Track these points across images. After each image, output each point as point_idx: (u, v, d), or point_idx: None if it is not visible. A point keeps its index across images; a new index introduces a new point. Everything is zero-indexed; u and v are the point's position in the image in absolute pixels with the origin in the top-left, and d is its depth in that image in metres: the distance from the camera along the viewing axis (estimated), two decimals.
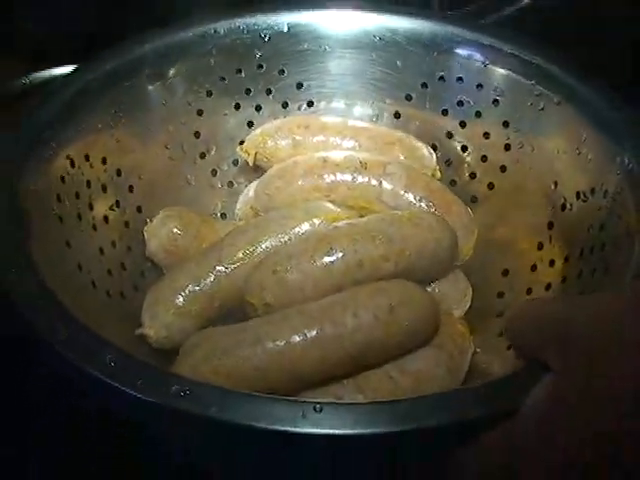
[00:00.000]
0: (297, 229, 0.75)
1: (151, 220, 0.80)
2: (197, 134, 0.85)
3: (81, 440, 0.76)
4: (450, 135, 0.86)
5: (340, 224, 0.74)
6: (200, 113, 0.85)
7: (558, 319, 0.50)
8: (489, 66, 0.82)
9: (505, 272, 0.80)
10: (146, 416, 0.53)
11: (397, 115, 0.88)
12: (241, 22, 0.84)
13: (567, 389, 0.47)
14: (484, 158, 0.85)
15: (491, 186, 0.84)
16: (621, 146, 0.71)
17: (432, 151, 0.85)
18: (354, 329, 0.65)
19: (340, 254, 0.71)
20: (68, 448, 0.76)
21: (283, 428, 0.48)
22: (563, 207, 0.76)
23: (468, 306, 0.78)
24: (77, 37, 0.81)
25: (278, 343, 0.64)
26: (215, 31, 0.83)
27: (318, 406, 0.49)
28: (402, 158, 0.82)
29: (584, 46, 0.75)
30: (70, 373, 0.54)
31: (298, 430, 0.48)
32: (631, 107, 0.73)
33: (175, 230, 0.80)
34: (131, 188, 0.80)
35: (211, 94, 0.85)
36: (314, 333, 0.64)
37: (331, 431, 0.48)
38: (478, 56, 0.82)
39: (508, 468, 0.49)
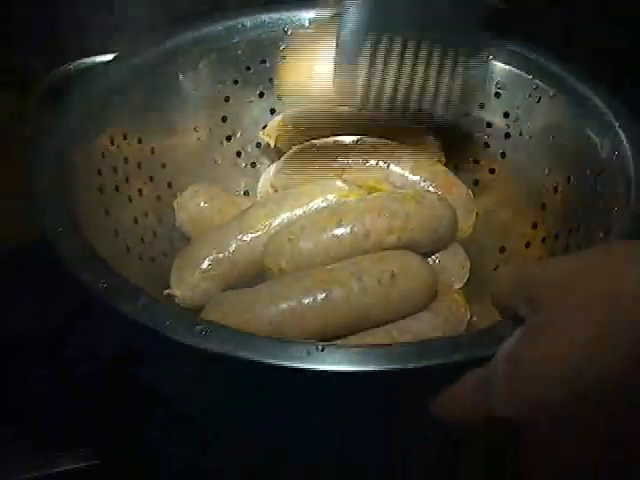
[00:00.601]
0: (311, 204, 0.83)
1: (180, 194, 0.88)
2: (224, 119, 0.93)
3: (81, 440, 0.80)
4: None
5: (350, 200, 0.82)
6: (227, 100, 0.93)
7: (530, 274, 0.58)
8: (492, 62, 0.89)
9: (502, 249, 0.87)
10: (172, 355, 0.61)
11: None
12: (267, 17, 0.92)
13: (530, 335, 0.54)
14: (486, 145, 0.92)
15: (492, 171, 0.91)
16: (607, 134, 0.78)
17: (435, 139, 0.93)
18: (359, 292, 0.73)
19: (349, 226, 0.78)
20: (68, 448, 0.80)
21: (290, 364, 0.56)
22: (555, 190, 0.84)
23: (466, 278, 0.85)
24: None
25: (290, 302, 0.72)
26: (242, 25, 0.91)
27: (320, 346, 0.57)
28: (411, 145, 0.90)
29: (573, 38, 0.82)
30: (111, 318, 0.62)
31: (303, 366, 0.56)
32: (617, 98, 0.80)
33: (202, 204, 0.88)
34: (163, 165, 0.88)
35: (237, 82, 0.93)
36: (323, 294, 0.72)
37: (331, 367, 0.56)
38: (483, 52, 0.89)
39: (482, 410, 0.56)
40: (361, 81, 0.76)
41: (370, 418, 0.60)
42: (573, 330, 0.52)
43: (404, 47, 0.76)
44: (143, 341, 0.63)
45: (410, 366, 0.56)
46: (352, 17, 0.74)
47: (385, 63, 0.76)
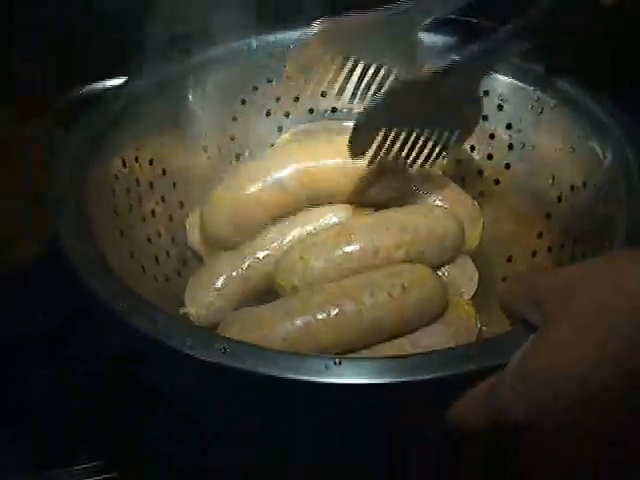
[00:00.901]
0: (321, 220, 0.85)
1: (192, 213, 0.90)
2: (232, 138, 0.95)
3: (81, 440, 0.82)
4: None
5: (359, 216, 0.84)
6: (235, 119, 0.95)
7: (535, 281, 0.59)
8: (494, 75, 0.91)
9: (509, 259, 0.89)
10: (193, 372, 0.62)
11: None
12: (272, 37, 0.94)
13: (537, 344, 0.56)
14: (490, 157, 0.93)
15: (497, 182, 0.93)
16: (610, 143, 0.80)
17: None
18: (371, 306, 0.75)
19: (358, 243, 0.80)
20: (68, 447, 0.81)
21: (309, 378, 0.58)
22: (559, 199, 0.85)
23: (475, 289, 0.87)
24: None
25: (303, 317, 0.73)
26: (249, 46, 0.93)
27: (338, 360, 0.58)
28: None
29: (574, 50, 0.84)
30: (129, 337, 0.64)
31: (321, 380, 0.58)
32: (618, 107, 0.82)
33: None
34: (174, 185, 0.90)
35: (245, 102, 0.95)
36: (335, 309, 0.74)
37: (349, 381, 0.58)
38: None
39: (494, 418, 0.58)
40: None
41: (384, 428, 0.62)
42: (576, 339, 0.54)
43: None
44: (160, 358, 0.64)
45: (425, 377, 0.58)
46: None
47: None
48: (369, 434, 0.63)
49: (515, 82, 0.90)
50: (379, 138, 0.80)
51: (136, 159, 0.85)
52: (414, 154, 0.82)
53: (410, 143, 0.81)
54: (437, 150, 0.83)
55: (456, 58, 0.78)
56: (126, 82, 0.88)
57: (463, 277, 0.86)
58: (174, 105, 0.90)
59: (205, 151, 0.94)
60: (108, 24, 1.07)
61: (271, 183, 0.84)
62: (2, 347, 0.85)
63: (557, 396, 0.53)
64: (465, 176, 0.95)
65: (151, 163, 0.87)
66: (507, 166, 0.92)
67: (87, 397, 0.83)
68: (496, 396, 0.57)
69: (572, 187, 0.84)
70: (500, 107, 0.91)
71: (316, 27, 0.84)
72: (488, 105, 0.91)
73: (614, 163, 0.79)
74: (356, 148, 0.80)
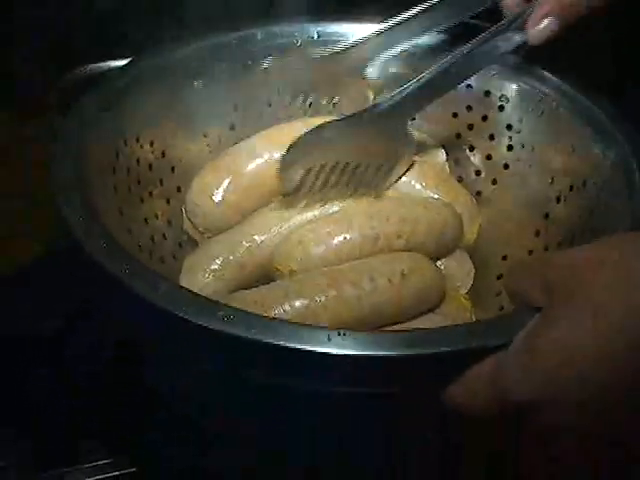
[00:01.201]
0: (321, 208, 0.84)
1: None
2: (232, 126, 0.95)
3: (81, 440, 0.82)
4: (459, 136, 0.96)
5: (360, 205, 0.84)
6: (235, 108, 0.95)
7: (545, 262, 0.59)
8: (496, 76, 0.92)
9: (504, 257, 0.89)
10: (196, 340, 0.62)
11: (412, 118, 0.97)
12: (277, 28, 0.94)
13: (549, 321, 0.56)
14: (489, 157, 0.94)
15: (495, 182, 0.93)
16: (610, 144, 0.81)
17: (443, 150, 0.95)
18: (370, 291, 0.74)
19: (358, 230, 0.80)
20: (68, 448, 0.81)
21: (312, 348, 0.57)
22: (558, 199, 0.86)
23: (471, 284, 0.87)
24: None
25: (302, 299, 0.73)
26: (253, 35, 0.93)
27: (342, 331, 0.58)
28: (416, 154, 0.92)
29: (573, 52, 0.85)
30: (132, 305, 0.63)
31: (324, 350, 0.57)
32: (617, 107, 0.83)
33: None
34: (173, 169, 0.90)
35: (246, 92, 0.95)
36: (335, 292, 0.73)
37: (352, 352, 0.57)
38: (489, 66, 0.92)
39: (497, 397, 0.57)
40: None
41: (385, 406, 0.61)
42: (588, 317, 0.54)
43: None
44: (161, 327, 0.63)
45: (429, 351, 0.57)
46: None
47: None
48: (369, 412, 0.62)
49: (516, 83, 0.90)
50: (309, 174, 0.81)
51: (137, 139, 0.85)
52: (344, 183, 0.84)
53: (338, 173, 0.83)
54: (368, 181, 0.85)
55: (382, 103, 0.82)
56: (130, 63, 0.88)
57: (460, 271, 0.86)
58: (176, 90, 0.90)
59: (205, 137, 0.93)
60: (108, 21, 1.07)
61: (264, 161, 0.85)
62: (2, 347, 0.84)
63: (566, 373, 0.53)
64: (463, 176, 0.95)
65: (152, 144, 0.87)
66: (506, 166, 0.92)
67: (87, 397, 0.83)
68: (500, 375, 0.57)
69: (571, 187, 0.84)
70: (501, 108, 0.92)
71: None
72: (489, 106, 0.93)
73: (615, 163, 0.79)
74: (286, 183, 0.81)
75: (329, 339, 0.57)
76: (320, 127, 0.82)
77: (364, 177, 0.85)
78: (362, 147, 0.83)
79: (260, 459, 0.71)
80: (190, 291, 0.62)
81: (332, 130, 0.82)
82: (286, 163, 0.80)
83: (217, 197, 0.86)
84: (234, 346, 0.59)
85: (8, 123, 1.11)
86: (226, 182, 0.87)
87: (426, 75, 0.81)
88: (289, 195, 0.84)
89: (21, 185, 0.89)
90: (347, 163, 0.83)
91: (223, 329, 0.58)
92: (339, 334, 0.58)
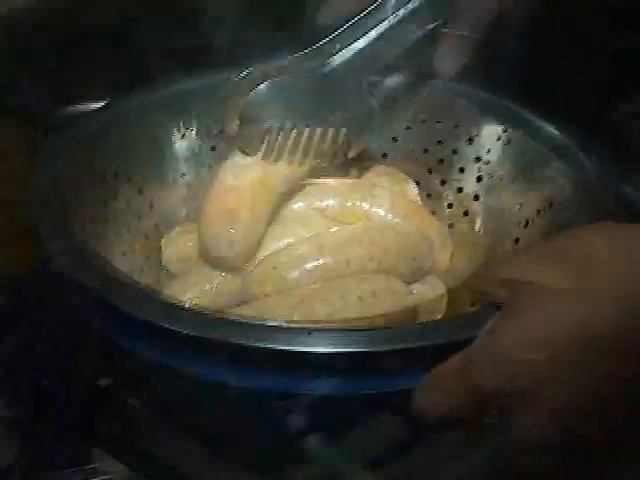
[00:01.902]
0: (295, 236, 0.86)
1: (167, 234, 0.92)
2: (210, 166, 0.98)
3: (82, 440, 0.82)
4: (430, 171, 0.98)
5: (331, 231, 0.86)
6: (213, 149, 0.98)
7: (508, 262, 0.61)
8: (465, 109, 0.95)
9: None
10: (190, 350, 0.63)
11: (384, 155, 1.00)
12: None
13: (509, 314, 0.57)
14: (460, 190, 0.96)
15: (466, 213, 0.96)
16: (572, 165, 0.84)
17: (415, 185, 0.97)
18: (341, 308, 0.76)
19: (330, 254, 0.82)
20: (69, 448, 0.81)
21: (281, 347, 0.58)
22: (526, 224, 0.88)
23: (444, 310, 0.88)
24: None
25: (274, 317, 0.74)
26: (228, 78, 0.97)
27: (309, 331, 0.59)
28: (387, 186, 0.94)
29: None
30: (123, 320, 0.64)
31: (292, 349, 0.58)
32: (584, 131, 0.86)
33: (188, 244, 0.91)
34: (151, 206, 0.92)
35: (222, 132, 0.98)
36: (306, 309, 0.75)
37: (319, 349, 0.58)
38: (457, 101, 0.96)
39: (464, 389, 0.58)
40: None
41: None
42: (546, 305, 0.55)
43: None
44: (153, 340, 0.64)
45: (394, 348, 0.58)
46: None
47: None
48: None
49: (484, 115, 0.94)
50: (269, 132, 0.82)
51: (115, 175, 0.87)
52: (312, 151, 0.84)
53: (304, 140, 0.83)
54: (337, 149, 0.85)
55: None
56: (108, 104, 0.91)
57: (433, 297, 0.87)
58: (154, 132, 0.93)
59: (183, 177, 0.96)
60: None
61: None
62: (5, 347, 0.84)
63: (532, 357, 0.55)
64: (436, 209, 0.98)
65: (129, 180, 0.89)
66: (476, 197, 0.95)
67: (88, 398, 0.83)
68: (468, 369, 0.58)
69: (538, 211, 0.87)
70: (470, 140, 0.95)
71: None
72: (458, 139, 0.96)
73: (578, 182, 0.82)
74: (246, 143, 0.82)
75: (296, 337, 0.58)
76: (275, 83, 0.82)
77: (322, 146, 0.84)
78: (317, 109, 0.83)
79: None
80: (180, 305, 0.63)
81: (286, 89, 0.82)
82: (247, 119, 0.81)
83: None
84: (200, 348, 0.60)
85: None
86: None
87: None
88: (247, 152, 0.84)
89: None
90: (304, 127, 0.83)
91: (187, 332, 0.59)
92: (308, 333, 0.59)
